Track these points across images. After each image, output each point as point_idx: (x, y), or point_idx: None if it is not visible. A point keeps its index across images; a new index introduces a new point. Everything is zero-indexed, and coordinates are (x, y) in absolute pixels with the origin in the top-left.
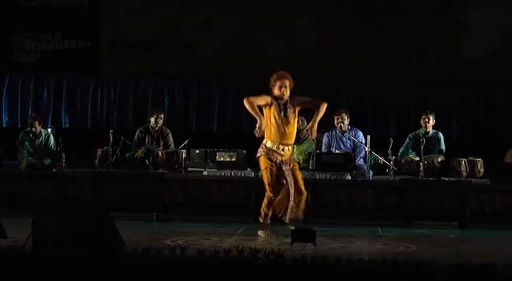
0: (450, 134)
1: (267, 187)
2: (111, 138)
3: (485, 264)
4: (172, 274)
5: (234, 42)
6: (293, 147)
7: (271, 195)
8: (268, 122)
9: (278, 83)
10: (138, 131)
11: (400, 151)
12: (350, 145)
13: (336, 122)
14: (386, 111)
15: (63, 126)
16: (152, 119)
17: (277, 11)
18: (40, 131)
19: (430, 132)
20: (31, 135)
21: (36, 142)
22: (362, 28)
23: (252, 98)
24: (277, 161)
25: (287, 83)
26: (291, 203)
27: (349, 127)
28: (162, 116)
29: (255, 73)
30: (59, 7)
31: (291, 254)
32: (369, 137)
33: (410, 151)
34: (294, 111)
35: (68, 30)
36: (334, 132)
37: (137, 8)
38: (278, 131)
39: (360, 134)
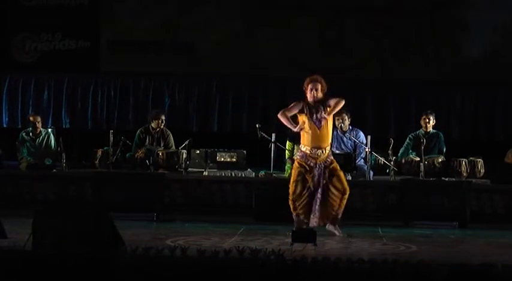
0: (450, 134)
1: (290, 185)
2: (111, 138)
3: (485, 264)
4: (172, 274)
5: (234, 42)
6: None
7: (291, 193)
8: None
9: (310, 86)
10: (138, 132)
11: (401, 151)
12: (351, 145)
13: (336, 122)
14: (387, 111)
15: (64, 126)
16: (154, 123)
17: (276, 11)
18: (40, 131)
19: (430, 132)
20: (31, 135)
21: (37, 142)
22: (361, 28)
23: (286, 111)
24: (311, 164)
25: (318, 86)
26: (330, 207)
27: (350, 127)
28: (163, 117)
29: (254, 74)
30: (59, 7)
31: (292, 254)
32: (369, 137)
33: (410, 151)
34: (327, 114)
35: (68, 30)
36: (334, 132)
37: (137, 8)
38: (310, 135)
39: (361, 134)
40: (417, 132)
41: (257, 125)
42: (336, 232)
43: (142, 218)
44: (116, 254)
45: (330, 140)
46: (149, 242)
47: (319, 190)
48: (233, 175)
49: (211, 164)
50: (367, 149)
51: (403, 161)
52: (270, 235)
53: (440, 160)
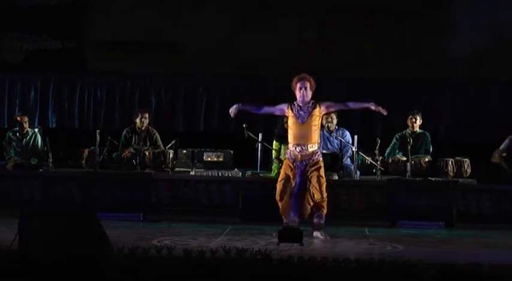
0: (437, 134)
1: (277, 185)
2: (98, 138)
3: (472, 264)
4: (159, 274)
5: (221, 42)
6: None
7: (277, 193)
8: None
9: (298, 85)
10: (124, 132)
11: (387, 151)
12: (337, 145)
13: (324, 122)
14: (374, 111)
15: (50, 126)
16: (137, 120)
17: (263, 12)
18: (27, 131)
19: (417, 132)
20: (18, 134)
21: (24, 141)
22: (349, 28)
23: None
24: (295, 162)
25: (307, 84)
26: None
27: (336, 127)
28: (147, 115)
29: (241, 74)
30: (45, 7)
31: (278, 254)
32: (356, 137)
33: (397, 151)
34: (314, 112)
35: (54, 30)
36: (321, 132)
37: (124, 8)
38: (293, 132)
39: (347, 133)
40: (404, 132)
41: (244, 125)
42: (320, 236)
43: (129, 218)
44: (103, 254)
45: (315, 139)
46: (136, 242)
47: (299, 187)
48: (220, 174)
49: (198, 164)
50: (354, 149)
51: (390, 160)
52: (257, 235)
53: (426, 160)
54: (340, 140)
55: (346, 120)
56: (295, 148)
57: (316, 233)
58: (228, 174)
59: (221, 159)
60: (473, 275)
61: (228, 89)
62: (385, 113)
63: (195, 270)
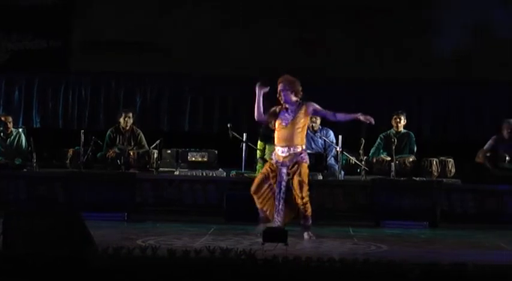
0: (421, 134)
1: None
2: (82, 138)
3: (456, 264)
4: (143, 274)
5: (207, 42)
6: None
7: (254, 183)
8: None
9: (279, 88)
10: (109, 131)
11: (372, 151)
12: (321, 144)
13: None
14: (357, 111)
15: (35, 126)
16: (121, 120)
17: (251, 11)
18: (11, 131)
19: (401, 132)
20: (2, 135)
21: (8, 141)
22: (334, 29)
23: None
24: (277, 163)
25: (285, 86)
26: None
27: (320, 127)
28: (131, 115)
29: (226, 74)
30: (30, 7)
31: (263, 254)
32: (340, 137)
33: (381, 151)
34: (299, 114)
35: (39, 30)
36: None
37: (109, 8)
38: (277, 134)
39: (331, 133)
40: (388, 132)
41: (228, 125)
42: (307, 237)
43: (113, 218)
44: (87, 255)
45: (299, 141)
46: (120, 242)
47: (283, 190)
48: (204, 174)
49: (182, 164)
50: (338, 149)
51: (374, 160)
52: (241, 235)
53: (411, 160)
54: (324, 140)
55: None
56: (279, 150)
57: (305, 234)
58: (213, 174)
59: (205, 159)
60: (457, 275)
61: (213, 89)
62: (373, 122)
63: (179, 270)
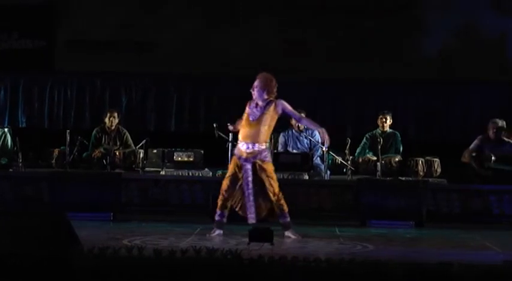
0: (407, 134)
1: (223, 181)
2: (68, 138)
3: (442, 263)
4: (129, 274)
5: (192, 42)
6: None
7: (222, 190)
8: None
9: (254, 83)
10: (94, 131)
11: (357, 150)
12: (307, 144)
13: (293, 121)
14: (344, 111)
15: (20, 125)
16: (106, 119)
17: (237, 11)
18: None
19: (387, 132)
20: None
21: None
22: (321, 29)
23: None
24: (242, 160)
25: (256, 82)
26: (267, 201)
27: (306, 127)
28: (116, 115)
29: (213, 73)
30: (15, 7)
31: (248, 254)
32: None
33: (367, 150)
34: (268, 111)
35: (24, 29)
36: (290, 132)
37: (94, 7)
38: (243, 129)
39: (316, 133)
40: (374, 131)
41: (214, 125)
42: (292, 236)
43: (99, 218)
44: (72, 255)
45: (263, 139)
46: (106, 242)
47: (250, 186)
48: (190, 174)
49: (168, 164)
50: (324, 149)
51: (360, 160)
52: (227, 235)
53: (397, 160)
54: (310, 140)
55: (316, 119)
56: (242, 146)
57: (287, 233)
58: (199, 174)
59: (191, 159)
60: (443, 274)
61: (199, 89)
62: (327, 143)
63: (165, 270)
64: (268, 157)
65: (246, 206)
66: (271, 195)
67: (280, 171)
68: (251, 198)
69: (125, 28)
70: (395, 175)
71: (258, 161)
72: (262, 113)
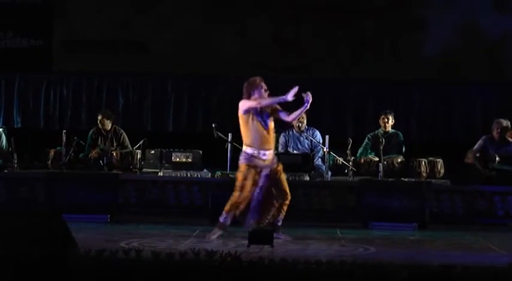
0: (409, 134)
1: (240, 189)
2: (64, 138)
3: (445, 265)
4: (126, 277)
5: (189, 41)
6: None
7: (238, 197)
8: (248, 127)
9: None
10: (91, 132)
11: (359, 151)
12: (308, 145)
13: (294, 122)
14: (344, 111)
15: (15, 126)
16: (98, 122)
17: (231, 10)
18: None
19: (389, 132)
20: None
21: None
22: (318, 27)
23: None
24: (259, 166)
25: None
26: (267, 212)
27: (307, 127)
28: (106, 118)
29: (210, 73)
30: (11, 5)
31: (248, 256)
32: (327, 137)
33: (369, 151)
34: (270, 116)
35: (20, 28)
36: (291, 132)
37: (91, 6)
38: (259, 136)
39: (317, 133)
40: (376, 132)
41: (213, 125)
42: (283, 237)
43: (96, 220)
44: (68, 257)
45: (244, 141)
46: (103, 244)
47: (259, 191)
48: (189, 175)
49: (166, 165)
50: (325, 149)
51: (362, 161)
52: (226, 237)
53: (399, 160)
54: (311, 140)
55: (316, 120)
56: (265, 154)
57: (283, 236)
58: (197, 175)
59: (190, 159)
60: (446, 276)
61: (197, 89)
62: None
63: (163, 273)
64: (241, 159)
65: (251, 211)
66: (281, 196)
67: None
68: (258, 204)
69: (122, 28)
70: (398, 175)
71: (276, 166)
72: (269, 119)
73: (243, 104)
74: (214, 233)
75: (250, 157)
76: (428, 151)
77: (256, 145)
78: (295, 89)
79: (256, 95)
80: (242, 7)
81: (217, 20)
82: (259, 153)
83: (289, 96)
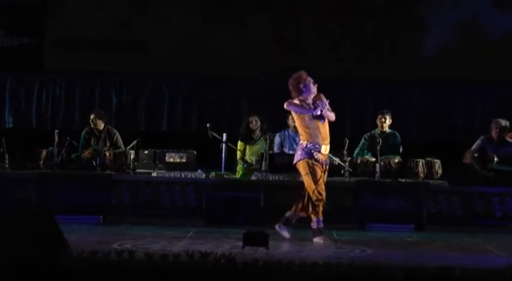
0: (407, 134)
1: (320, 187)
2: (56, 138)
3: (443, 267)
4: (119, 279)
5: (185, 41)
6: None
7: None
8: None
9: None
10: (84, 132)
11: (356, 151)
12: None
13: (289, 121)
14: (342, 111)
15: (7, 126)
16: (90, 121)
17: (231, 10)
18: None
19: (387, 132)
20: None
21: None
22: (318, 27)
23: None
24: (323, 160)
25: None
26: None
27: None
28: (98, 117)
29: (206, 72)
30: (3, 4)
31: (243, 258)
32: None
33: (366, 151)
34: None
35: (12, 27)
36: (287, 132)
37: (84, 5)
38: (320, 131)
39: None
40: (373, 132)
41: (208, 125)
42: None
43: (88, 221)
44: (60, 258)
45: (302, 138)
46: (95, 246)
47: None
48: (183, 176)
49: (160, 165)
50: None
51: (359, 161)
52: (221, 238)
53: (396, 161)
54: None
55: None
56: (325, 148)
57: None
58: (191, 175)
59: (184, 160)
60: (444, 278)
61: (191, 89)
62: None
63: (157, 275)
64: (300, 155)
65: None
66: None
67: (276, 172)
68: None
69: (116, 27)
70: (395, 176)
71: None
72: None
73: (293, 108)
74: (326, 239)
75: (311, 152)
76: (426, 151)
77: (317, 140)
78: (323, 104)
79: (305, 90)
80: (242, 7)
81: (217, 20)
82: (320, 147)
83: (317, 112)
